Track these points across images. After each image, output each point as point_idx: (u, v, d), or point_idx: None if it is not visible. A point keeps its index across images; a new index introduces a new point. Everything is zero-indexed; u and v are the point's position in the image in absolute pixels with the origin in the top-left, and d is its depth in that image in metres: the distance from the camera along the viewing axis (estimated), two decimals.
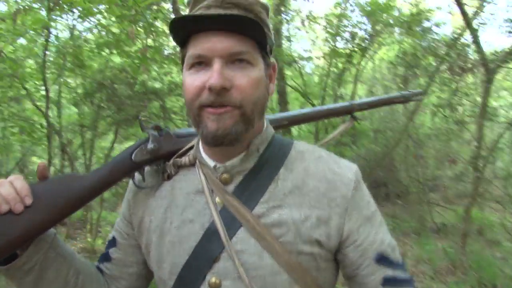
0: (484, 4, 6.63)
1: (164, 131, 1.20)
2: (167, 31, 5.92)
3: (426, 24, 7.78)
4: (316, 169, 1.08)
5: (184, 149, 1.20)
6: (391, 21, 7.63)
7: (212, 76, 0.94)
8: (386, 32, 8.38)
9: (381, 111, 9.84)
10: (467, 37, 6.94)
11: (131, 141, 12.38)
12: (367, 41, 8.30)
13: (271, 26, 1.11)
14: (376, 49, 9.18)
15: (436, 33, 7.76)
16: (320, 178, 1.07)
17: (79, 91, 7.01)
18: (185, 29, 0.99)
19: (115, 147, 8.29)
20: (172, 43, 8.62)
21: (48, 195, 1.04)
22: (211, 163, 1.10)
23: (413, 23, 7.59)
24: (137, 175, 1.19)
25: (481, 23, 6.17)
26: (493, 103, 7.05)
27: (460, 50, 6.91)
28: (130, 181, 1.22)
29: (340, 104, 1.62)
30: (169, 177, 1.18)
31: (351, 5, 8.21)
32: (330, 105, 1.65)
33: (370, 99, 1.75)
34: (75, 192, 1.08)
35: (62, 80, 6.47)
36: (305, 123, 1.71)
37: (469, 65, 6.19)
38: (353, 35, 8.11)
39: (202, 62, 0.98)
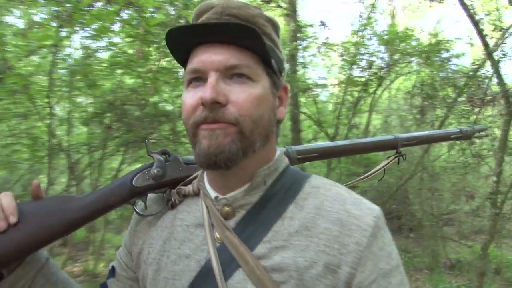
0: (506, 35, 6.53)
1: (171, 156, 1.16)
2: None
3: (445, 54, 7.71)
4: (331, 209, 0.98)
5: (191, 177, 1.15)
6: (409, 51, 7.52)
7: (205, 90, 0.90)
8: (403, 61, 8.30)
9: None
10: (487, 69, 6.84)
11: (140, 163, 12.43)
12: (383, 70, 8.23)
13: (279, 43, 1.05)
14: (392, 79, 9.09)
15: (455, 64, 7.68)
16: (333, 220, 0.96)
17: (89, 109, 7.00)
18: (181, 44, 0.97)
19: (123, 169, 8.26)
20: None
21: (39, 215, 1.01)
22: (212, 193, 1.05)
23: (432, 53, 7.52)
24: (140, 202, 1.15)
25: (503, 54, 5.99)
26: None
27: (480, 82, 6.78)
28: (135, 213, 1.18)
29: (384, 137, 1.53)
30: (173, 206, 1.14)
31: (368, 33, 8.17)
32: (372, 138, 1.56)
33: (419, 133, 1.64)
34: (69, 214, 1.04)
35: (71, 99, 6.45)
36: (340, 156, 1.59)
37: (490, 97, 6.03)
38: (370, 64, 8.04)
39: (199, 78, 0.95)
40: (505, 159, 6.56)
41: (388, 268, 0.93)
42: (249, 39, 0.91)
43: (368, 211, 0.98)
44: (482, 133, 1.80)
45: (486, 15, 6.72)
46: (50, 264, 1.10)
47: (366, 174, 1.59)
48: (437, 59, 7.68)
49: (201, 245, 1.02)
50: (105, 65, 6.27)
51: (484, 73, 6.94)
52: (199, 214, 1.07)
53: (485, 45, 6.17)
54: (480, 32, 6.11)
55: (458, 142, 7.56)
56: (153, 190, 1.14)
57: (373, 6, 8.03)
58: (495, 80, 6.67)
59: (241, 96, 0.92)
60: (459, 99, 7.27)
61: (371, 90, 8.54)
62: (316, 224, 0.96)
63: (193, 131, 0.96)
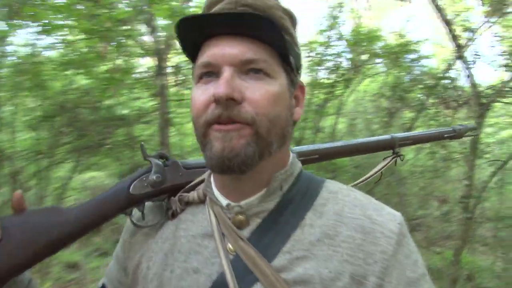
0: (475, 36, 6.64)
1: (170, 160, 1.12)
2: (140, 51, 5.70)
3: (413, 56, 7.79)
4: (352, 215, 0.96)
5: (193, 183, 1.11)
6: (378, 52, 7.54)
7: (218, 85, 0.87)
8: (371, 63, 8.34)
9: None
10: (458, 71, 6.95)
11: (93, 171, 12.04)
12: (350, 72, 8.23)
13: (297, 38, 1.03)
14: (360, 81, 9.13)
15: (424, 66, 7.77)
16: (355, 227, 0.94)
17: (38, 113, 6.60)
18: (193, 35, 0.93)
19: (74, 177, 7.90)
20: (145, 65, 8.46)
21: (23, 231, 0.94)
22: (223, 201, 1.02)
23: (400, 54, 7.58)
24: (135, 212, 1.11)
25: (476, 55, 6.08)
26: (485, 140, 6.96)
27: (450, 83, 6.87)
28: (128, 219, 1.13)
29: (380, 137, 1.54)
30: (174, 216, 1.10)
31: (335, 34, 8.15)
32: (368, 138, 1.57)
33: (415, 133, 1.64)
34: (58, 228, 0.98)
35: (17, 100, 6.05)
36: (339, 158, 1.58)
37: (464, 99, 6.11)
38: (337, 66, 8.02)
39: (211, 73, 0.92)
40: (476, 163, 6.66)
41: (415, 277, 0.91)
42: (267, 32, 0.88)
43: (390, 217, 0.97)
44: (473, 132, 1.82)
45: (456, 15, 6.81)
46: (32, 286, 1.05)
47: (365, 177, 1.56)
48: (406, 60, 7.74)
49: (211, 257, 0.97)
50: (55, 64, 5.89)
51: (453, 75, 7.03)
52: (206, 224, 1.03)
53: (457, 46, 6.23)
54: (452, 33, 6.16)
55: (427, 145, 7.67)
56: (151, 198, 1.10)
57: (340, 5, 8.00)
58: (464, 82, 6.80)
59: (258, 93, 0.89)
60: (429, 101, 7.35)
61: (337, 93, 8.53)
62: (338, 232, 0.93)
63: (203, 131, 0.92)
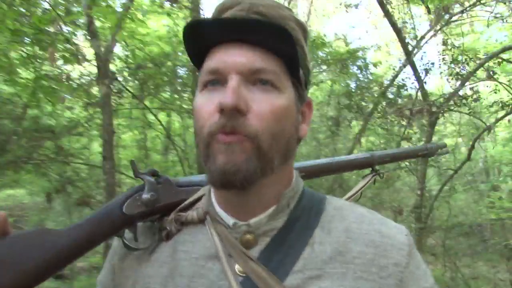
0: (422, 43, 6.83)
1: (162, 178, 1.10)
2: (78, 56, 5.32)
3: (360, 63, 7.91)
4: (360, 230, 0.96)
5: (188, 201, 1.09)
6: (327, 59, 7.58)
7: (225, 94, 0.85)
8: (317, 70, 8.37)
9: (312, 158, 9.77)
10: (407, 79, 7.12)
11: (13, 190, 11.29)
12: None
13: (308, 51, 1.01)
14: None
15: (372, 73, 7.91)
16: (366, 242, 0.94)
17: None
18: (201, 40, 0.92)
19: None
20: (76, 71, 8.02)
21: (9, 257, 0.90)
22: (229, 220, 0.99)
23: (348, 62, 7.66)
24: (127, 233, 1.06)
25: (431, 63, 6.22)
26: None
27: (400, 91, 7.02)
28: (115, 241, 1.11)
29: (360, 155, 1.55)
30: (169, 237, 1.05)
31: None
32: (349, 156, 1.59)
33: (393, 151, 1.68)
34: (47, 253, 0.94)
35: None
36: (321, 176, 1.56)
37: (415, 108, 6.24)
38: None
39: (217, 81, 0.90)
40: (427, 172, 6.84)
41: (429, 286, 0.94)
42: (279, 42, 0.86)
43: (397, 230, 0.98)
44: (443, 149, 1.84)
45: (403, 23, 6.98)
46: None
47: (347, 196, 1.52)
48: (353, 67, 7.85)
49: (218, 280, 0.94)
50: None
51: (402, 82, 7.19)
52: (209, 244, 0.99)
53: (407, 53, 6.36)
54: (402, 40, 6.28)
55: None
56: (144, 217, 1.06)
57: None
58: (414, 90, 6.96)
59: (264, 106, 0.87)
60: (379, 109, 7.47)
61: None
62: (349, 248, 0.94)
63: (207, 142, 0.89)
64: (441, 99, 6.24)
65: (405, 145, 6.85)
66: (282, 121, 0.90)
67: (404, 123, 6.76)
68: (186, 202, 1.09)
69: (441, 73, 6.62)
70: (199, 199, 1.09)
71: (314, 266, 0.92)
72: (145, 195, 1.05)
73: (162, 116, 10.18)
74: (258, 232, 0.96)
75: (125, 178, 9.23)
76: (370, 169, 1.54)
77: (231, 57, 0.88)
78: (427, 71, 6.25)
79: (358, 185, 1.55)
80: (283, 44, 0.87)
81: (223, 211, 1.00)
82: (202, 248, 1.00)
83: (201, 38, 0.92)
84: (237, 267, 0.94)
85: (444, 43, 6.56)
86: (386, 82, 8.19)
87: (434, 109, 6.18)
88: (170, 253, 1.03)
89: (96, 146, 10.39)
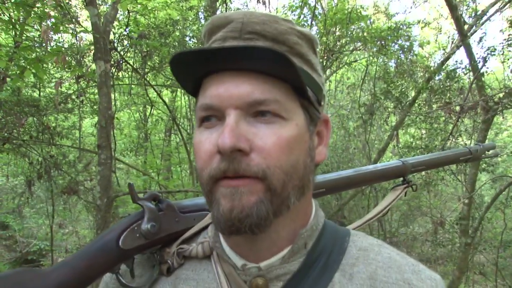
0: (482, 20, 6.63)
1: (164, 203, 1.11)
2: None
3: (403, 41, 7.74)
4: (387, 279, 0.97)
5: (192, 231, 1.12)
6: (365, 36, 7.41)
7: (222, 133, 0.85)
8: (351, 48, 8.21)
9: (339, 149, 9.68)
10: (461, 61, 6.92)
11: None
12: (324, 58, 8.07)
13: (317, 63, 1.02)
14: (335, 69, 9.02)
15: (417, 54, 7.74)
16: None
17: None
18: (191, 72, 0.94)
19: None
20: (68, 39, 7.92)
21: None
22: (237, 260, 1.00)
23: (389, 40, 7.50)
24: (122, 267, 1.06)
25: (491, 49, 6.01)
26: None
27: (451, 80, 6.84)
28: (106, 275, 1.11)
29: (390, 164, 1.56)
30: (169, 271, 1.07)
31: (308, 12, 7.95)
32: (377, 166, 1.58)
33: (428, 156, 1.70)
34: None
35: None
36: (346, 190, 1.66)
37: (467, 104, 6.06)
38: None
39: (214, 116, 0.92)
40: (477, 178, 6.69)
41: None
42: (279, 66, 0.86)
43: (431, 283, 0.97)
44: (491, 151, 1.87)
45: None
46: None
47: (376, 213, 1.55)
48: (396, 46, 7.68)
49: None
50: None
51: (454, 66, 6.99)
52: (214, 285, 1.01)
53: (462, 33, 6.17)
54: (457, 18, 6.08)
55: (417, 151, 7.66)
56: (143, 250, 1.07)
57: None
58: (467, 78, 6.79)
59: (269, 140, 0.87)
60: (422, 99, 7.32)
61: None
62: None
63: (209, 188, 0.91)
64: (502, 94, 6.06)
65: (452, 143, 6.71)
66: (293, 153, 0.91)
67: (452, 119, 6.59)
68: (190, 233, 1.11)
69: (503, 61, 6.41)
70: (203, 228, 1.12)
71: None
72: (145, 226, 1.06)
73: (165, 93, 10.11)
74: (269, 276, 0.97)
75: (119, 164, 9.22)
76: (402, 179, 1.57)
77: (226, 90, 0.89)
78: (485, 59, 6.05)
79: (387, 198, 1.56)
80: (284, 69, 0.86)
81: (231, 250, 1.02)
82: None
83: (191, 69, 0.93)
84: None
85: (511, 23, 6.31)
86: (433, 66, 8.03)
87: (491, 104, 6.01)
88: None
89: (88, 125, 10.37)
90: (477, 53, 6.24)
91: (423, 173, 7.61)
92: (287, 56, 0.83)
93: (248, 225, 0.87)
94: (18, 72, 4.99)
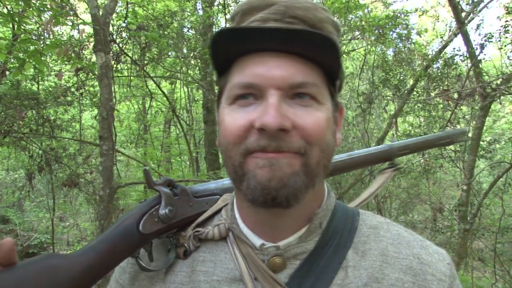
0: (479, 7, 6.65)
1: (178, 188, 1.13)
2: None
3: (401, 29, 7.75)
4: (397, 254, 1.00)
5: (206, 214, 1.13)
6: (363, 24, 7.43)
7: (266, 112, 0.87)
8: (348, 37, 8.23)
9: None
10: (458, 48, 6.94)
11: None
12: None
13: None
14: None
15: (415, 43, 7.76)
16: (404, 268, 0.98)
17: None
18: (230, 47, 0.93)
19: None
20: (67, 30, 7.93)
21: None
22: (256, 240, 1.02)
23: (387, 29, 7.51)
24: (141, 252, 1.08)
25: (488, 36, 6.04)
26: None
27: (448, 67, 6.87)
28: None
29: (377, 148, 1.59)
30: (186, 254, 1.09)
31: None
32: (367, 150, 1.62)
33: (412, 140, 1.73)
34: (63, 285, 0.94)
35: None
36: (340, 173, 1.67)
37: (465, 91, 6.09)
38: None
39: (250, 95, 0.93)
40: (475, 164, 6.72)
41: None
42: (322, 52, 0.89)
43: (439, 257, 1.01)
44: (464, 137, 1.91)
45: None
46: None
47: (365, 196, 1.57)
48: (394, 34, 7.69)
49: None
50: None
51: (452, 53, 7.01)
52: (232, 266, 1.03)
53: (459, 21, 6.19)
54: (454, 6, 6.11)
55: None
56: (161, 234, 1.09)
57: None
58: (465, 65, 6.80)
59: (309, 120, 0.90)
60: (420, 87, 7.35)
61: None
62: (385, 275, 0.97)
63: (241, 160, 0.91)
64: (499, 80, 6.10)
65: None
66: (327, 134, 0.94)
67: (450, 106, 6.62)
68: (204, 217, 1.13)
69: (500, 48, 6.43)
70: (218, 211, 1.13)
71: None
72: (163, 210, 1.07)
73: (164, 85, 10.11)
74: (287, 255, 0.99)
75: (119, 156, 9.24)
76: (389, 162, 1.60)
77: (269, 70, 0.90)
78: (483, 46, 6.08)
79: (376, 182, 1.60)
80: (326, 54, 0.89)
81: (249, 230, 1.04)
82: (225, 270, 1.03)
83: (232, 45, 0.93)
84: None
85: (508, 10, 6.32)
86: (430, 54, 8.06)
87: (489, 91, 6.04)
88: (188, 273, 1.07)
89: (88, 118, 10.37)
90: (474, 40, 6.26)
91: (422, 160, 7.67)
92: (334, 41, 0.86)
93: (285, 195, 0.89)
94: (17, 65, 5.01)
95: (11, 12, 5.11)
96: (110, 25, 6.01)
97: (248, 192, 0.92)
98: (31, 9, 5.00)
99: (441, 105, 7.02)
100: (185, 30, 8.05)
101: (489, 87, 6.07)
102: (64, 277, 0.96)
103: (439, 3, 8.03)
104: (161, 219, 1.07)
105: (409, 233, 1.07)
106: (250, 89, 0.92)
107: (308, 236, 1.01)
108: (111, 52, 6.27)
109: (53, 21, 4.64)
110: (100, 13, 5.03)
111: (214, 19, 8.18)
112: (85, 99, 8.51)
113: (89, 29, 6.70)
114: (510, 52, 6.30)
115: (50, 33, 4.68)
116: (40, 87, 8.02)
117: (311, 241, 1.01)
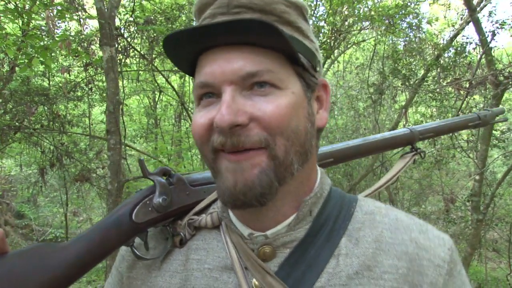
0: None
1: (174, 177, 1.13)
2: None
3: (411, 18, 7.67)
4: (393, 240, 0.98)
5: (203, 204, 1.14)
6: (371, 15, 7.34)
7: (219, 111, 0.87)
8: (358, 28, 8.14)
9: (349, 130, 9.65)
10: (469, 41, 6.84)
11: (4, 160, 11.41)
12: (334, 39, 8.01)
13: (309, 30, 1.02)
14: (343, 49, 8.96)
15: (425, 32, 7.66)
16: (399, 254, 0.96)
17: None
18: (183, 53, 0.95)
19: None
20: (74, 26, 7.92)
21: (8, 280, 0.91)
22: (244, 230, 1.02)
23: (397, 19, 7.43)
24: (137, 240, 1.10)
25: (501, 23, 5.93)
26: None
27: (459, 56, 6.77)
28: (122, 248, 1.15)
29: (397, 131, 1.57)
30: (182, 243, 1.10)
31: None
32: (385, 134, 1.61)
33: (436, 123, 1.70)
34: (52, 272, 0.96)
35: None
36: (354, 159, 1.61)
37: (476, 80, 5.99)
38: (318, 29, 7.78)
39: (212, 93, 0.93)
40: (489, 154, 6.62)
41: None
42: (267, 36, 0.87)
43: (439, 241, 0.98)
44: (501, 117, 1.86)
45: None
46: None
47: (385, 181, 1.56)
48: (404, 23, 7.61)
49: None
50: None
51: (463, 41, 6.91)
52: (224, 254, 1.04)
53: (470, 8, 6.09)
54: None
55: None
56: (156, 223, 1.10)
57: None
58: (478, 54, 6.70)
59: (267, 109, 0.88)
60: (431, 76, 7.26)
61: None
62: (378, 262, 0.95)
63: (213, 157, 0.93)
64: (511, 68, 5.99)
65: None
66: (293, 120, 0.91)
67: (461, 95, 6.52)
68: (201, 205, 1.13)
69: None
70: (213, 201, 1.14)
71: (338, 281, 0.94)
72: (157, 200, 1.08)
73: (174, 79, 10.10)
74: (276, 243, 0.99)
75: (130, 150, 9.26)
76: (410, 147, 1.59)
77: (220, 67, 0.90)
78: (494, 33, 5.98)
79: (395, 167, 1.59)
80: (273, 38, 0.87)
81: (238, 220, 1.04)
82: (217, 258, 1.04)
83: (184, 49, 0.93)
84: (253, 281, 0.97)
85: None
86: (442, 43, 7.96)
87: (501, 79, 5.95)
88: (183, 261, 1.08)
89: (98, 113, 10.40)
90: (485, 27, 6.16)
91: (434, 151, 7.59)
92: (273, 24, 0.84)
93: (253, 197, 0.89)
94: (26, 60, 5.01)
95: (18, 7, 5.11)
96: (118, 19, 5.99)
97: (220, 193, 0.94)
98: (37, 3, 4.99)
99: (452, 94, 6.92)
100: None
101: (501, 75, 5.98)
102: (53, 265, 0.97)
103: None
104: (155, 208, 1.08)
105: (410, 217, 1.05)
106: (208, 88, 0.93)
107: (297, 224, 1.00)
108: (118, 46, 6.26)
109: (58, 16, 4.61)
110: (106, 6, 5.00)
111: None
112: (94, 94, 8.52)
113: (96, 24, 6.68)
114: None
115: (54, 27, 4.63)
116: (51, 82, 8.03)
117: (300, 229, 1.00)
